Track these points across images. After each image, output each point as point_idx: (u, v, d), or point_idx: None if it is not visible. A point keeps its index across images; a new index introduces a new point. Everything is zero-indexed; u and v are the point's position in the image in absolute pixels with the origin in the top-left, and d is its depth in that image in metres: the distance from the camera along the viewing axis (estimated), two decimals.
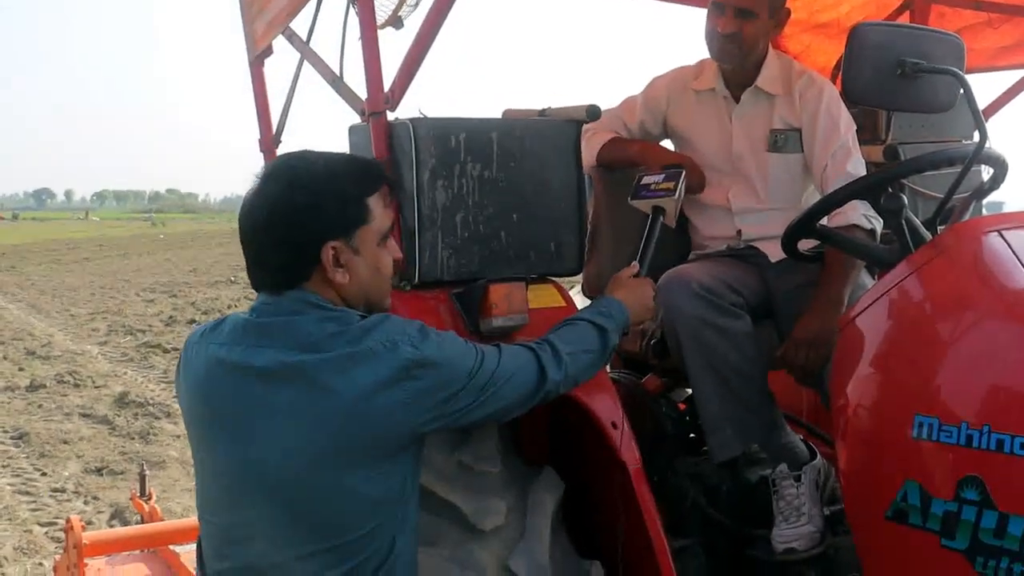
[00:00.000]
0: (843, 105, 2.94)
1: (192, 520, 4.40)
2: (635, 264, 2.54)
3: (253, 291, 2.03)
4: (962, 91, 2.31)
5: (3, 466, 7.42)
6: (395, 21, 2.81)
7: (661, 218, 2.62)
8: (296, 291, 1.95)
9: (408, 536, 2.01)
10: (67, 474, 7.16)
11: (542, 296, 2.52)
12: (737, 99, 3.05)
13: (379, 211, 2.01)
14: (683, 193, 2.64)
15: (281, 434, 1.88)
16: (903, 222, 2.38)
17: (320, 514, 1.89)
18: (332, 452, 1.86)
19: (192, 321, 14.79)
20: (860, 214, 2.74)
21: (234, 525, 1.98)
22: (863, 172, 2.88)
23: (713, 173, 3.08)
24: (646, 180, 2.69)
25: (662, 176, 2.67)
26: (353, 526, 1.91)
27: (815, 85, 2.99)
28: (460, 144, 2.43)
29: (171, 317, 15.55)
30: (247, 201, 1.97)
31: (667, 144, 3.21)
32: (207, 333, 2.03)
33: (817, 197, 2.95)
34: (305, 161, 1.98)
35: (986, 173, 2.64)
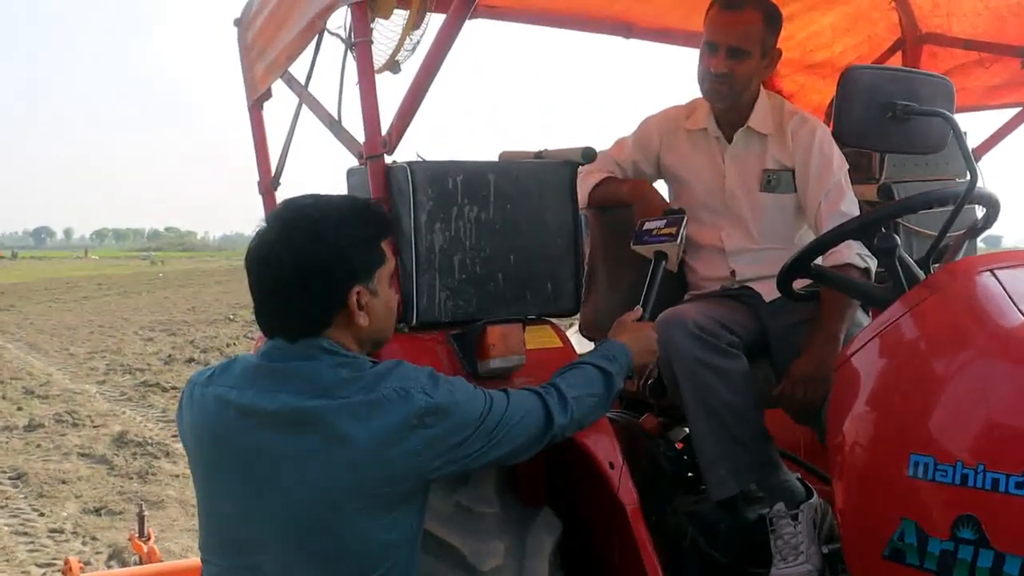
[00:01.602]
0: (835, 144, 2.97)
1: (191, 561, 4.40)
2: (638, 308, 2.57)
3: (252, 329, 2.04)
4: (952, 132, 2.34)
5: (1, 507, 7.38)
6: (392, 66, 2.84)
7: (664, 263, 2.65)
8: (310, 338, 1.96)
9: None
10: (65, 514, 7.11)
11: (539, 337, 2.53)
12: (729, 139, 3.07)
13: (389, 252, 2.07)
14: (684, 238, 2.67)
15: (294, 479, 1.89)
16: (897, 262, 2.40)
17: (332, 557, 1.90)
18: (345, 497, 1.88)
19: (191, 360, 14.76)
20: (854, 253, 2.76)
21: (241, 568, 1.98)
22: (856, 211, 2.90)
23: (706, 213, 3.11)
24: (648, 226, 2.72)
25: (663, 221, 2.70)
26: (364, 569, 1.92)
27: (807, 125, 3.01)
28: (457, 186, 2.45)
29: (170, 356, 15.50)
30: (263, 250, 1.97)
31: (660, 184, 3.24)
32: (215, 376, 2.04)
33: (810, 236, 2.98)
34: (321, 209, 1.99)
35: (980, 211, 2.67)
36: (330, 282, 1.95)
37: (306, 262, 1.92)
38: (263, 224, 2.00)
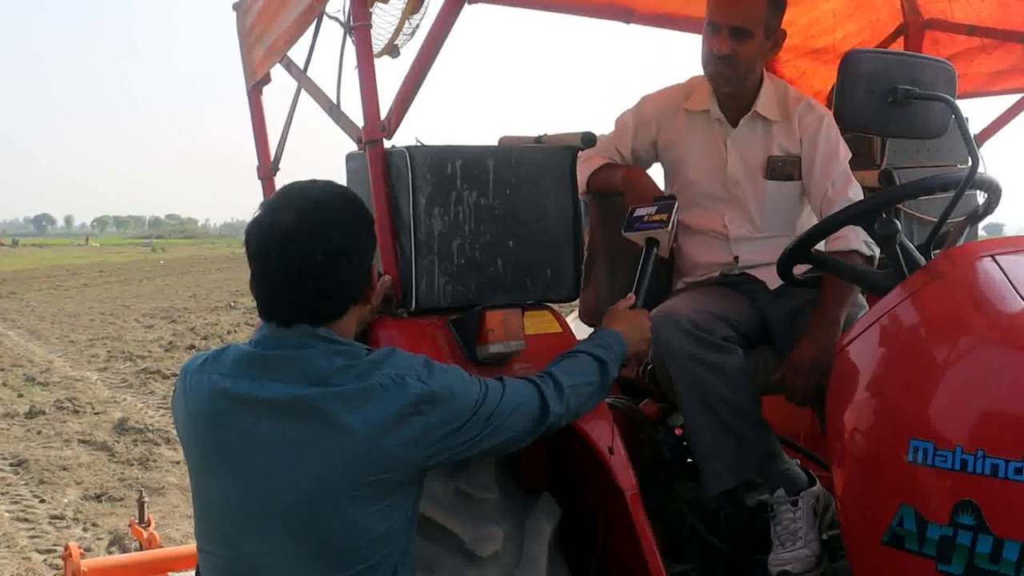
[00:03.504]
0: (839, 132, 2.95)
1: (192, 547, 4.39)
2: (631, 295, 2.56)
3: (253, 316, 2.03)
4: (953, 117, 2.32)
5: (2, 493, 7.38)
6: (391, 50, 2.83)
7: (655, 249, 2.64)
8: (305, 325, 1.95)
9: (408, 566, 2.02)
10: (66, 501, 7.13)
11: (538, 322, 2.53)
12: (732, 123, 3.05)
13: None
14: (676, 224, 2.65)
15: (289, 467, 1.88)
16: (897, 247, 2.39)
17: (327, 547, 1.90)
18: (341, 486, 1.87)
19: (191, 347, 14.77)
20: (861, 240, 2.74)
21: (237, 557, 1.97)
22: (862, 198, 2.89)
23: (705, 198, 3.08)
24: (639, 212, 2.71)
25: (654, 208, 2.68)
26: (360, 558, 1.91)
27: (814, 111, 3.00)
28: (456, 171, 2.44)
29: (171, 343, 15.51)
30: (279, 236, 1.93)
31: (657, 167, 3.22)
32: (208, 363, 2.03)
33: (811, 223, 2.96)
34: (328, 193, 2.01)
35: (981, 197, 2.66)
36: (356, 261, 1.97)
37: (334, 245, 1.92)
38: (263, 211, 1.97)
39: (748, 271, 3.05)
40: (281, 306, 1.97)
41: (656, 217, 2.65)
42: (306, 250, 1.91)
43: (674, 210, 2.64)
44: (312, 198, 1.98)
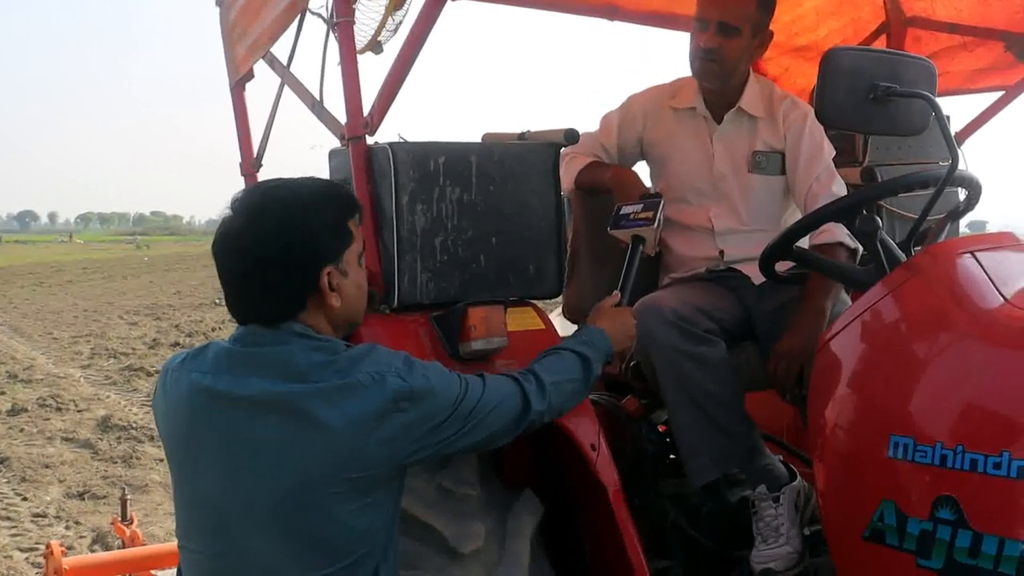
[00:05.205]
0: (823, 130, 2.97)
1: (175, 545, 4.39)
2: (617, 293, 2.56)
3: None
4: (933, 114, 2.33)
5: None
6: (375, 46, 2.82)
7: (641, 247, 2.64)
8: (284, 322, 1.95)
9: (390, 564, 2.02)
10: (48, 499, 7.10)
11: (521, 319, 2.53)
12: (718, 119, 3.06)
13: (356, 232, 2.06)
14: (662, 222, 2.66)
15: (269, 464, 1.88)
16: (878, 244, 2.41)
17: (309, 543, 1.89)
18: (321, 482, 1.87)
19: (176, 344, 14.75)
20: (844, 233, 2.75)
21: (219, 554, 1.97)
22: (844, 194, 2.90)
23: (692, 194, 3.10)
24: (625, 210, 2.71)
25: (640, 206, 2.69)
26: (341, 555, 1.91)
27: (799, 108, 3.02)
28: (439, 168, 2.44)
29: (155, 340, 15.49)
30: (231, 239, 1.96)
31: (643, 165, 3.22)
32: (188, 360, 2.03)
33: (796, 218, 2.97)
34: (286, 193, 1.98)
35: (963, 194, 2.67)
36: (301, 266, 1.94)
37: (276, 248, 1.91)
38: (227, 211, 1.99)
39: (734, 265, 3.06)
40: (233, 305, 2.01)
41: (643, 215, 2.66)
42: (241, 256, 1.94)
43: (660, 208, 2.64)
44: (264, 201, 1.97)
